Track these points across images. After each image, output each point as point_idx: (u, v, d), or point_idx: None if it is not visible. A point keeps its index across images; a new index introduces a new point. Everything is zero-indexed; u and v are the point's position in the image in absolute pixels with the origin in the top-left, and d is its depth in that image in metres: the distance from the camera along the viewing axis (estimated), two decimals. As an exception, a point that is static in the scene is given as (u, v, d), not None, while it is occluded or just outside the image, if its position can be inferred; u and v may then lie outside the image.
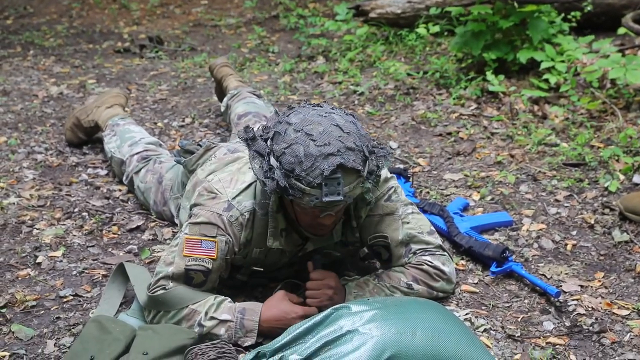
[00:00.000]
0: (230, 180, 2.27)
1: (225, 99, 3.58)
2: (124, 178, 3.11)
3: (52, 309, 2.37)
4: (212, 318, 2.14)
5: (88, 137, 3.59)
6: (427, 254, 2.29)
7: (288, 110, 2.12)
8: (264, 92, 3.79)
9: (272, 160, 2.05)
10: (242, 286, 2.44)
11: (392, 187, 2.32)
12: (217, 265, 2.19)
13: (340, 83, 4.38)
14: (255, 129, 2.18)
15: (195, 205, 2.27)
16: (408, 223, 2.29)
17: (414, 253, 2.29)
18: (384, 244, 2.29)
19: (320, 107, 2.11)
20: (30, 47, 5.55)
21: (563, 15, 4.30)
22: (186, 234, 2.21)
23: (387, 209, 2.29)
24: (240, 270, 2.39)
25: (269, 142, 2.08)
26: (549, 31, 4.04)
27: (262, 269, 2.38)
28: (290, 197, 2.04)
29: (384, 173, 2.31)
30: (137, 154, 3.09)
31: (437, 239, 2.33)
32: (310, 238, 2.29)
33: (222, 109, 3.60)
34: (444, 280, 2.30)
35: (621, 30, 4.07)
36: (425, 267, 2.27)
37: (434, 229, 2.37)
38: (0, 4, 6.87)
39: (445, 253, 2.33)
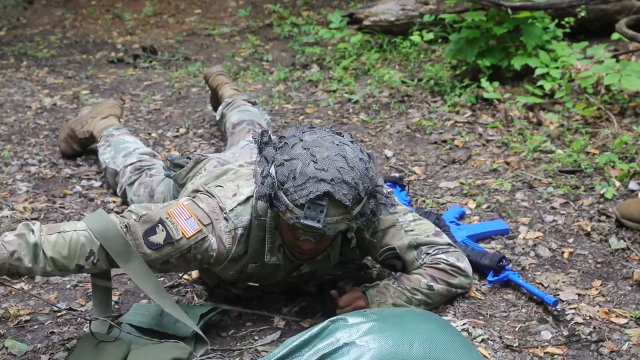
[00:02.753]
0: (228, 192, 2.24)
1: (220, 108, 3.57)
2: (118, 189, 3.09)
3: (46, 323, 2.35)
4: None
5: (83, 148, 3.57)
6: (440, 252, 2.29)
7: (308, 127, 2.13)
8: (258, 101, 3.78)
9: (272, 168, 2.05)
10: (237, 299, 2.42)
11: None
12: (180, 245, 2.08)
13: (334, 91, 4.37)
14: (272, 136, 2.18)
15: (201, 189, 2.24)
16: (412, 231, 2.30)
17: (427, 254, 2.29)
18: (394, 255, 2.29)
19: (340, 135, 2.13)
20: (23, 58, 5.53)
21: (557, 21, 4.29)
22: (183, 201, 2.18)
23: (387, 222, 2.28)
24: (235, 284, 2.37)
25: (276, 151, 2.08)
26: (543, 37, 4.04)
27: (257, 284, 2.37)
28: (274, 209, 2.04)
29: None
30: (130, 164, 3.08)
31: (444, 238, 2.33)
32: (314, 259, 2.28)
33: (217, 118, 3.59)
34: (461, 275, 2.30)
35: (615, 36, 4.07)
36: (441, 265, 2.28)
37: (439, 230, 2.37)
38: (-7, 15, 6.86)
39: (458, 249, 2.33)
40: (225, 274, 2.28)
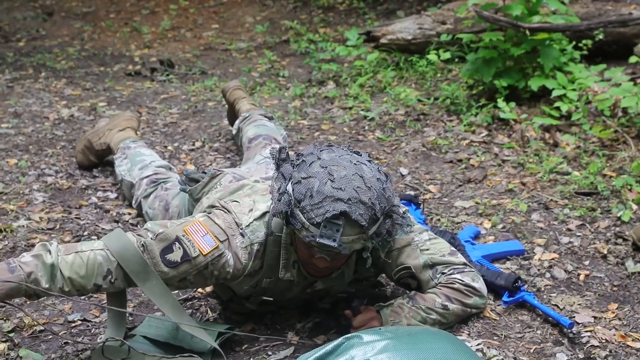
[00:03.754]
0: (245, 207, 2.24)
1: (236, 122, 3.58)
2: (133, 202, 3.10)
3: (60, 333, 2.36)
4: None
5: (99, 160, 3.59)
6: (455, 272, 2.27)
7: (326, 145, 2.14)
8: (274, 116, 3.79)
9: (289, 186, 2.06)
10: (251, 313, 2.42)
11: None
12: (198, 262, 2.09)
13: (350, 108, 4.38)
14: (290, 153, 2.19)
15: (217, 205, 2.25)
16: (427, 250, 2.28)
17: (442, 273, 2.27)
18: (409, 274, 2.28)
19: (358, 154, 2.12)
20: (41, 69, 5.58)
21: (574, 43, 4.29)
22: (198, 218, 2.18)
23: (403, 241, 2.27)
24: (249, 298, 2.37)
25: (294, 168, 2.09)
26: (561, 59, 4.04)
27: (271, 299, 2.36)
28: (290, 226, 2.05)
29: None
30: (146, 177, 3.09)
31: (460, 258, 2.32)
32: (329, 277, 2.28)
33: (234, 132, 3.60)
34: (476, 296, 2.29)
35: (633, 59, 4.05)
36: (456, 285, 2.26)
37: (454, 249, 2.35)
38: (13, 26, 6.93)
39: (473, 269, 2.32)
40: (241, 288, 2.28)
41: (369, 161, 2.11)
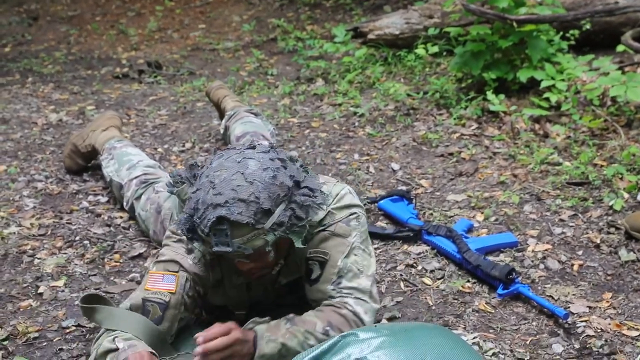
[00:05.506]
0: None
1: (223, 121, 3.57)
2: (125, 204, 3.08)
3: (54, 340, 2.34)
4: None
5: (87, 163, 3.57)
6: (351, 297, 2.12)
7: (222, 151, 2.09)
8: (264, 115, 3.78)
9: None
10: (248, 314, 2.41)
11: (355, 213, 2.20)
12: (175, 300, 2.11)
13: (340, 105, 4.38)
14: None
15: (163, 245, 2.25)
16: (356, 256, 2.16)
17: (341, 289, 2.12)
18: (322, 260, 2.15)
19: (252, 149, 2.05)
20: (28, 74, 5.55)
21: (562, 33, 4.30)
22: (150, 270, 2.19)
23: (340, 229, 2.16)
24: (233, 309, 2.36)
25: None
26: (548, 50, 4.04)
27: (244, 312, 2.32)
28: (194, 241, 2.04)
29: (349, 199, 2.21)
30: (135, 178, 3.07)
31: (371, 286, 2.16)
32: (281, 271, 2.24)
33: (221, 131, 3.59)
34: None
35: (620, 48, 4.06)
36: (344, 311, 2.09)
37: (375, 273, 2.21)
38: (-1, 31, 6.90)
39: (370, 302, 2.13)
40: (216, 302, 2.29)
41: (266, 151, 2.03)
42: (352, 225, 2.18)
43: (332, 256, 2.14)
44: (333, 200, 2.19)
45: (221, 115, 3.83)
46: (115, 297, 2.58)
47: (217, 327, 1.95)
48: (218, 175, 1.97)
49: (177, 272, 2.14)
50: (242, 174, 1.95)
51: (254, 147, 2.07)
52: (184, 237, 2.14)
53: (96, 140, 3.42)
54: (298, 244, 2.04)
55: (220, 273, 2.21)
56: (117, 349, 1.97)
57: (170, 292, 2.11)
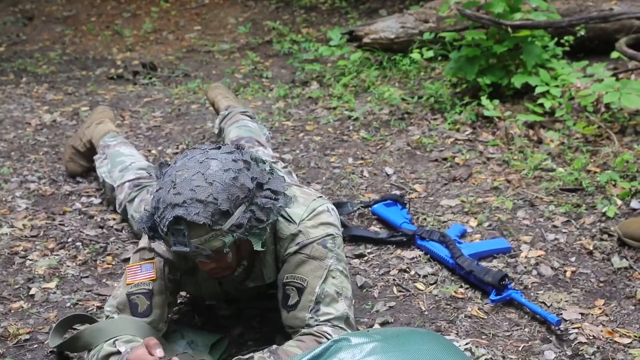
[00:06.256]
0: None
1: (217, 121, 3.57)
2: (117, 206, 3.07)
3: (45, 342, 2.33)
4: None
5: (90, 162, 3.50)
6: (329, 325, 2.09)
7: (188, 150, 2.10)
8: (258, 118, 3.77)
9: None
10: (239, 316, 2.40)
11: (332, 234, 2.18)
12: (159, 285, 2.14)
13: (334, 108, 4.38)
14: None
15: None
16: (334, 278, 2.13)
17: (318, 317, 2.10)
18: (299, 286, 2.12)
19: (217, 149, 2.04)
20: (23, 74, 5.53)
21: (556, 39, 4.31)
22: (127, 266, 2.19)
23: (316, 252, 2.14)
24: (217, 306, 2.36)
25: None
26: (543, 56, 4.05)
27: (215, 302, 2.34)
28: (155, 240, 2.04)
29: (326, 217, 2.19)
30: (128, 181, 3.06)
31: (349, 310, 2.15)
32: (250, 275, 2.24)
33: (216, 131, 3.59)
34: None
35: (614, 55, 4.08)
36: (324, 340, 2.05)
37: (351, 296, 2.19)
38: (-7, 31, 6.87)
39: (347, 329, 2.11)
40: (189, 291, 2.29)
41: (230, 152, 2.02)
42: (328, 246, 2.16)
43: (310, 282, 2.12)
44: (308, 215, 2.17)
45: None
46: (108, 300, 2.57)
47: None
48: (179, 174, 1.96)
49: (152, 258, 2.16)
50: (203, 174, 1.95)
51: (219, 148, 2.06)
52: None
53: (92, 135, 3.41)
54: (257, 247, 2.02)
55: (193, 262, 2.20)
56: (118, 352, 1.97)
57: (151, 280, 2.13)
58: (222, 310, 2.41)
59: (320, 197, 2.27)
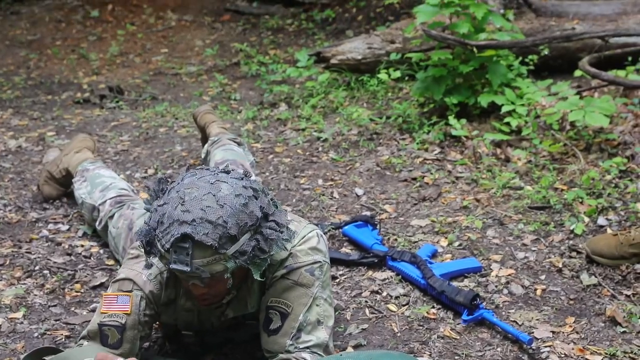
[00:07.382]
0: None
1: (205, 146, 3.56)
2: (97, 223, 3.03)
3: (12, 374, 2.29)
4: None
5: (66, 188, 3.47)
6: (308, 351, 2.10)
7: (195, 169, 2.08)
8: (246, 144, 3.74)
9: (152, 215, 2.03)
10: (208, 344, 2.38)
11: (319, 262, 2.18)
12: (132, 321, 2.10)
13: (303, 130, 4.38)
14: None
15: (123, 263, 2.23)
16: (318, 306, 2.14)
17: (299, 344, 2.10)
18: (283, 311, 2.12)
19: (226, 173, 2.04)
20: (-13, 99, 5.46)
21: (521, 59, 4.37)
22: (103, 294, 2.16)
23: (304, 278, 2.14)
24: (184, 334, 2.33)
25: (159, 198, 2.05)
26: (508, 75, 4.10)
27: (190, 333, 2.31)
28: (152, 255, 2.01)
29: (315, 243, 2.19)
30: (110, 198, 3.03)
31: (329, 339, 2.15)
32: (230, 304, 2.22)
33: (203, 156, 3.57)
34: None
35: (577, 73, 4.14)
36: None
37: (332, 324, 2.19)
38: (-44, 56, 6.78)
39: (324, 357, 2.11)
40: (164, 319, 2.26)
41: (240, 178, 2.02)
42: (316, 274, 2.16)
43: (294, 309, 2.12)
44: (299, 241, 2.17)
45: (204, 139, 3.78)
46: (77, 329, 2.53)
47: None
48: (189, 192, 1.95)
49: (130, 291, 2.12)
50: (214, 195, 1.94)
51: (228, 172, 2.06)
52: (142, 252, 2.10)
53: (70, 162, 3.37)
54: (256, 276, 2.01)
55: (174, 293, 2.18)
56: None
57: (125, 314, 2.10)
58: (191, 338, 2.38)
59: (310, 224, 2.27)
